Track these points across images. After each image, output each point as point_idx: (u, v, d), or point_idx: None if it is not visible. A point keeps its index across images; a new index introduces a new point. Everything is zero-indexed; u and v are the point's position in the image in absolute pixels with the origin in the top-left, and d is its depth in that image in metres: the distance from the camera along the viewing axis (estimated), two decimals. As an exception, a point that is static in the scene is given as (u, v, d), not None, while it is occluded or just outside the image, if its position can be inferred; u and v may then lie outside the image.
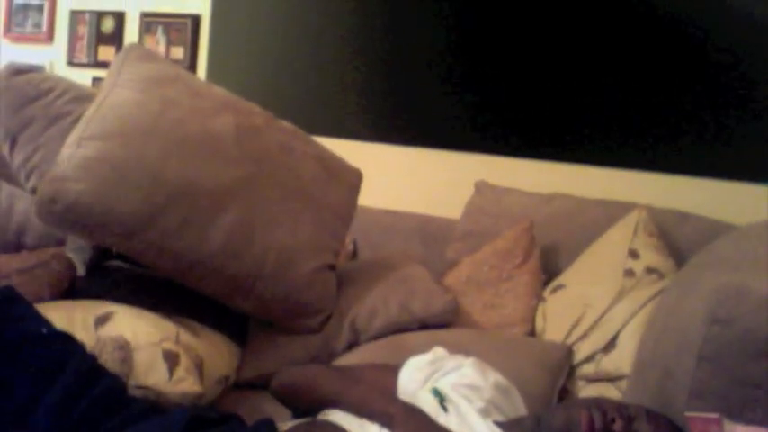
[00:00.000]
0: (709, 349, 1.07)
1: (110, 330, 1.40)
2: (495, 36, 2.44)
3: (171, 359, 1.38)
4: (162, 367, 1.36)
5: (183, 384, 1.36)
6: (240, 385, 1.63)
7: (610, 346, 1.60)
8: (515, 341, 1.72)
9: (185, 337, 1.48)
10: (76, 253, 1.71)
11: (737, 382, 1.06)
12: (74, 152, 1.50)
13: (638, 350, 1.45)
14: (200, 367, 1.44)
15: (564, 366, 1.59)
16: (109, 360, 1.34)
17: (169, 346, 1.40)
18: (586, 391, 1.59)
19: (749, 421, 1.03)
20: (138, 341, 1.39)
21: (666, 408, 1.14)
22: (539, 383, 1.50)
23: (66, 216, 1.46)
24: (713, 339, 1.07)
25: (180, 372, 1.37)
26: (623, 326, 1.60)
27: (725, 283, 1.09)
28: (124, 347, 1.37)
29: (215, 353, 1.55)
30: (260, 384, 1.60)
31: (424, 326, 1.69)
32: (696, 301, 1.13)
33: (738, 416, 1.05)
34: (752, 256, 1.19)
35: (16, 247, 1.88)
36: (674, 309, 1.22)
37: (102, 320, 1.43)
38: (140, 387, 1.35)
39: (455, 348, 1.41)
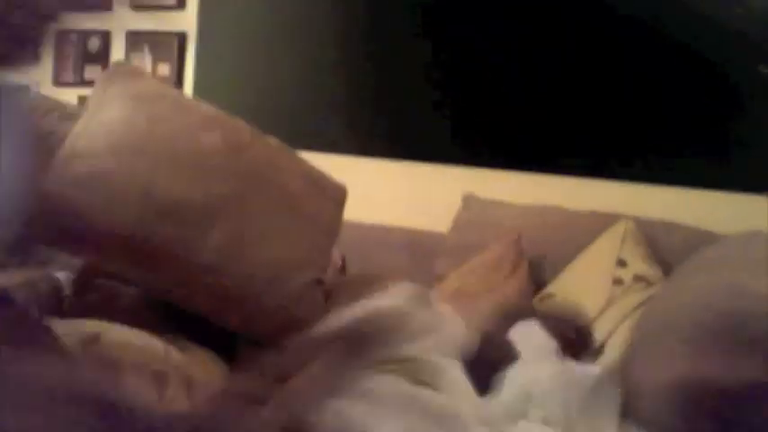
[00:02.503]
0: (702, 336, 1.07)
1: (98, 351, 1.39)
2: (483, 48, 2.46)
3: (160, 379, 1.37)
4: (151, 387, 1.35)
5: (173, 405, 1.35)
6: (230, 403, 1.62)
7: (597, 352, 1.60)
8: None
9: (174, 356, 1.47)
10: (63, 272, 1.70)
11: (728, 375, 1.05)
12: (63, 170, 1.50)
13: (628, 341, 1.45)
14: (190, 387, 1.43)
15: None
16: (97, 380, 1.33)
17: (158, 366, 1.39)
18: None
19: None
20: (126, 361, 1.38)
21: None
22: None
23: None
24: (708, 330, 1.06)
25: (169, 392, 1.36)
26: (611, 332, 1.61)
27: (723, 279, 1.09)
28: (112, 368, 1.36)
29: (205, 371, 1.54)
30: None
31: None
32: (692, 294, 1.13)
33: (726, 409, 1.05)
34: (743, 260, 1.20)
35: (1, 266, 1.87)
36: (668, 303, 1.22)
37: (89, 341, 1.42)
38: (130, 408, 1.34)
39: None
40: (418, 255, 2.29)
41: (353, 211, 1.99)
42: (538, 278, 2.00)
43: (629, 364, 1.28)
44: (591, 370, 1.25)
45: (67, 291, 1.68)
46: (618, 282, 1.74)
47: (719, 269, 1.17)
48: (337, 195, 1.90)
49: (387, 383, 1.16)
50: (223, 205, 1.59)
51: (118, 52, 3.08)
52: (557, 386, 1.21)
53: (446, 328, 1.34)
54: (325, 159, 2.04)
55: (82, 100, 3.05)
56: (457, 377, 1.22)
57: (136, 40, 3.02)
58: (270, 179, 1.72)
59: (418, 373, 1.20)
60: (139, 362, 1.38)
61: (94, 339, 1.42)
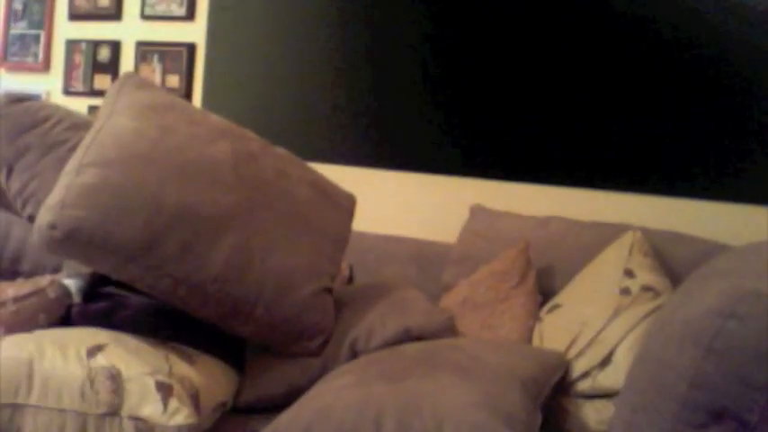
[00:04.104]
0: (722, 343, 1.06)
1: (102, 361, 1.39)
2: (489, 60, 2.47)
3: (164, 390, 1.37)
4: (155, 398, 1.35)
5: (178, 417, 1.35)
6: (238, 409, 1.63)
7: (605, 361, 1.60)
8: (513, 343, 1.74)
9: (179, 367, 1.47)
10: (72, 280, 1.71)
11: (741, 381, 1.05)
12: (73, 179, 1.50)
13: (639, 346, 1.44)
14: (195, 398, 1.43)
15: (558, 365, 1.60)
16: (101, 390, 1.34)
17: (162, 378, 1.39)
18: (585, 408, 1.59)
19: (745, 423, 1.03)
20: (129, 372, 1.38)
21: (661, 396, 1.13)
22: (530, 370, 1.50)
23: (66, 242, 1.46)
24: (728, 333, 1.06)
25: (174, 403, 1.36)
26: (619, 342, 1.61)
27: (740, 284, 1.08)
28: (116, 378, 1.36)
29: (211, 380, 1.54)
30: (258, 408, 1.60)
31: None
32: (709, 299, 1.12)
33: (735, 415, 1.05)
34: (756, 269, 1.19)
35: (12, 274, 1.88)
36: (681, 306, 1.21)
37: (94, 351, 1.42)
38: (134, 418, 1.34)
39: (452, 349, 1.44)
40: (426, 265, 2.29)
41: (361, 222, 2.00)
42: (545, 288, 2.00)
43: (638, 372, 1.28)
44: None
45: (76, 298, 1.68)
46: (625, 292, 1.73)
47: (731, 277, 1.17)
48: (346, 204, 1.91)
49: None
50: (232, 214, 1.60)
51: (127, 62, 3.10)
52: None
53: None
54: (334, 170, 2.05)
55: (92, 109, 3.07)
56: None
57: (145, 50, 3.05)
58: (279, 188, 1.73)
59: None
60: (143, 372, 1.38)
61: (100, 349, 1.43)
